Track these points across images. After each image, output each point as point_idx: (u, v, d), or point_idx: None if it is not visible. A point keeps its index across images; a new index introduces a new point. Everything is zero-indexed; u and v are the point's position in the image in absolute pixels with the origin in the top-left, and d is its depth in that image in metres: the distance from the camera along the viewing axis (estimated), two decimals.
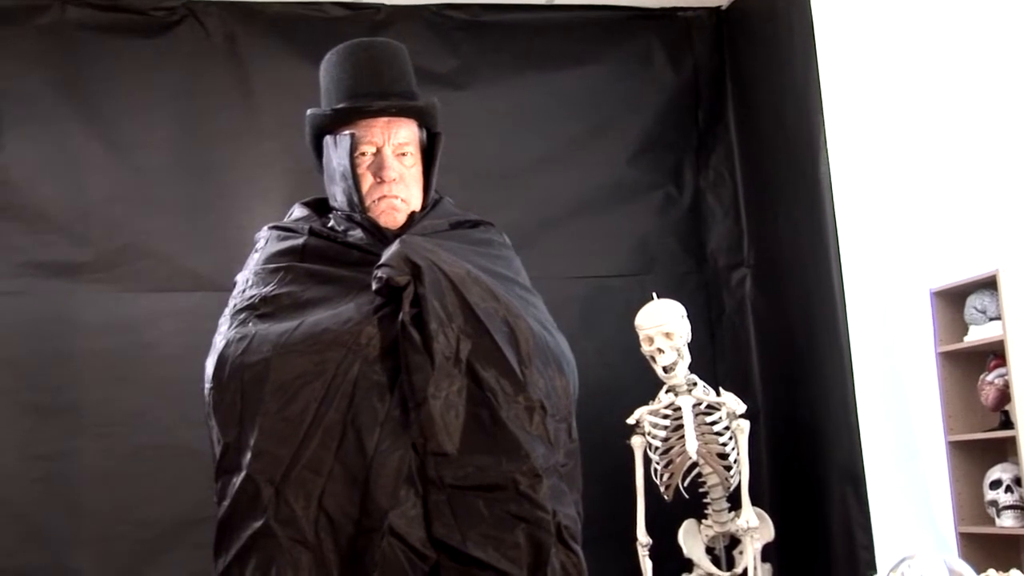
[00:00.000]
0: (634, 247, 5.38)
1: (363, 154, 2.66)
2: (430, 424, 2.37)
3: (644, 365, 4.50)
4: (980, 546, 4.14)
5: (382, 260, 2.48)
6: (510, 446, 2.39)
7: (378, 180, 2.65)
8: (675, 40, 5.54)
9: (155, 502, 4.65)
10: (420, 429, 2.37)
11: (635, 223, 5.38)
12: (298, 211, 2.85)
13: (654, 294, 4.55)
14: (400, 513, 2.34)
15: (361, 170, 2.67)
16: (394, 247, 2.50)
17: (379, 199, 2.66)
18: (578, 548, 2.48)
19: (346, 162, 2.66)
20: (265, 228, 2.79)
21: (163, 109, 4.99)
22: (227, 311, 2.63)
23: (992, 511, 4.10)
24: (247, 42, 5.11)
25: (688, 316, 4.49)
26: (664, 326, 4.39)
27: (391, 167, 2.65)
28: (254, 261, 2.71)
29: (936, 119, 4.29)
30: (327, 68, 2.74)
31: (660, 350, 4.39)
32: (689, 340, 4.46)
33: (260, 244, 2.76)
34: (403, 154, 2.68)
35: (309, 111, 2.74)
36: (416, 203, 2.71)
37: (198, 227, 4.94)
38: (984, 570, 3.55)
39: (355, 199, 2.66)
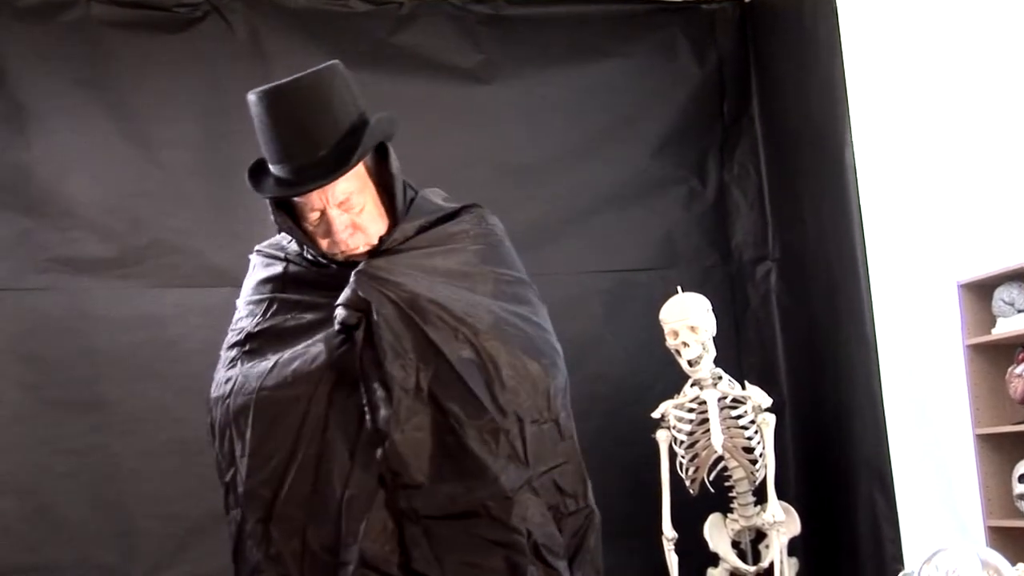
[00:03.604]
0: (658, 241, 5.36)
1: (311, 214, 2.59)
2: (397, 458, 2.41)
3: (669, 359, 4.50)
4: (1009, 540, 4.10)
5: (339, 299, 2.51)
6: (477, 472, 2.42)
7: (331, 239, 2.61)
8: (699, 33, 5.51)
9: (182, 497, 4.65)
10: (388, 463, 2.41)
11: (659, 217, 5.36)
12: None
13: (679, 288, 4.54)
14: (372, 543, 2.39)
15: (312, 229, 2.62)
16: (349, 284, 2.52)
17: (339, 252, 2.62)
18: (559, 563, 2.50)
19: (289, 235, 2.66)
20: (254, 251, 2.84)
21: (188, 105, 5.00)
22: (226, 342, 2.73)
23: (1021, 505, 4.07)
24: (271, 38, 5.10)
25: (713, 310, 4.49)
26: (689, 320, 4.39)
27: (339, 229, 2.58)
28: (246, 289, 2.78)
29: (963, 110, 4.26)
30: (253, 113, 2.62)
31: (685, 344, 4.39)
32: (714, 334, 4.46)
33: (250, 269, 2.82)
34: (349, 205, 2.59)
35: (248, 180, 2.66)
36: (379, 232, 2.64)
37: (223, 223, 4.94)
38: (1014, 564, 3.53)
39: (316, 257, 2.66)
